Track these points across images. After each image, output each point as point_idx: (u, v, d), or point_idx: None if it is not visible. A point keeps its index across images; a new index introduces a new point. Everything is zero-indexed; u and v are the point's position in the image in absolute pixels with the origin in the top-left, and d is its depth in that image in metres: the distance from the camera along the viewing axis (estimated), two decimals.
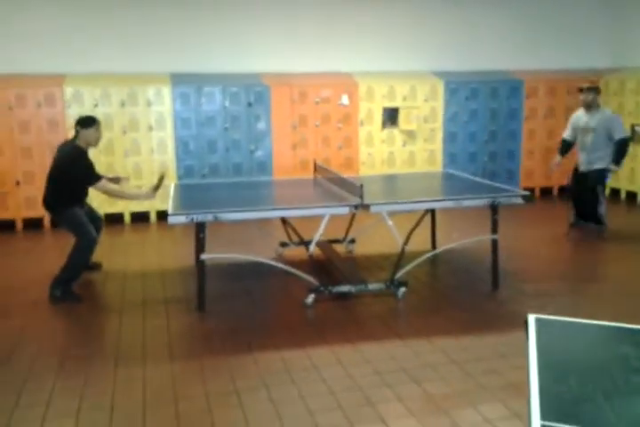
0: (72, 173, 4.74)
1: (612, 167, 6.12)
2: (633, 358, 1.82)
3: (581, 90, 6.22)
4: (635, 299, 4.65)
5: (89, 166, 4.78)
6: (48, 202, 4.90)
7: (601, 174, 6.19)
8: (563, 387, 1.61)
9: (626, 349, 1.91)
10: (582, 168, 6.31)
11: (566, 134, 6.54)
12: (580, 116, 6.34)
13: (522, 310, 4.39)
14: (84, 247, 4.80)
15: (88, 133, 4.80)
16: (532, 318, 2.10)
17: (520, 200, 4.67)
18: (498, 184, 5.29)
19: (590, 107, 6.16)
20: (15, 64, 7.33)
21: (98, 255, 5.23)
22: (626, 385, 1.64)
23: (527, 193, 4.76)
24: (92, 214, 5.20)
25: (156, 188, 4.91)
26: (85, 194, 5.03)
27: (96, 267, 5.47)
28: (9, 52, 7.36)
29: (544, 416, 1.44)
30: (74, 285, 4.81)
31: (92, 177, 4.77)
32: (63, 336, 4.11)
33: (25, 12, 7.37)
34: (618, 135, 6.02)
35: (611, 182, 8.59)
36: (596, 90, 6.19)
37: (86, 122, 4.81)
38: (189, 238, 5.91)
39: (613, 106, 8.46)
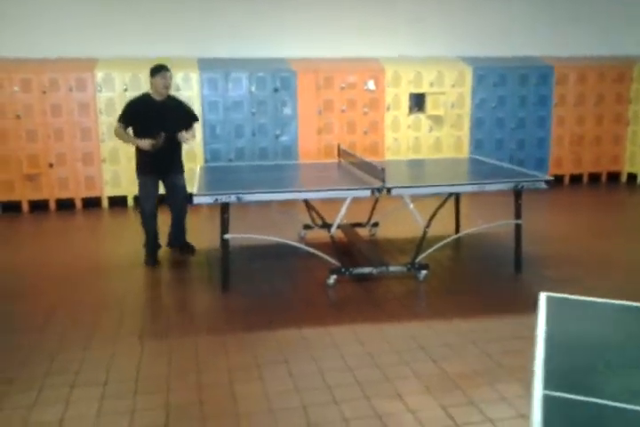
0: None
1: None
2: (636, 333, 1.83)
3: None
4: None
5: (123, 110, 5.12)
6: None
7: None
8: (568, 359, 1.64)
9: (635, 326, 1.93)
10: None
11: None
12: None
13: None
14: (141, 219, 5.25)
15: (154, 81, 5.02)
16: (543, 296, 2.13)
17: (543, 185, 4.65)
18: (521, 169, 5.27)
19: None
20: (48, 49, 7.47)
21: (125, 239, 5.35)
22: (630, 359, 1.66)
23: (550, 178, 4.73)
24: (169, 194, 5.32)
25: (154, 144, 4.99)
26: (158, 163, 5.07)
27: (188, 249, 5.51)
28: (42, 37, 7.51)
29: (547, 386, 1.47)
30: (154, 251, 5.26)
31: (118, 117, 5.13)
32: (91, 310, 4.24)
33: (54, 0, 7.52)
34: None
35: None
36: None
37: (151, 70, 5.03)
38: (216, 219, 6.01)
39: None
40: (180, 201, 5.30)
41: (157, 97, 5.08)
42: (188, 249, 5.51)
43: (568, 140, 8.54)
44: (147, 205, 5.19)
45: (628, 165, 8.77)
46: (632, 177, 8.70)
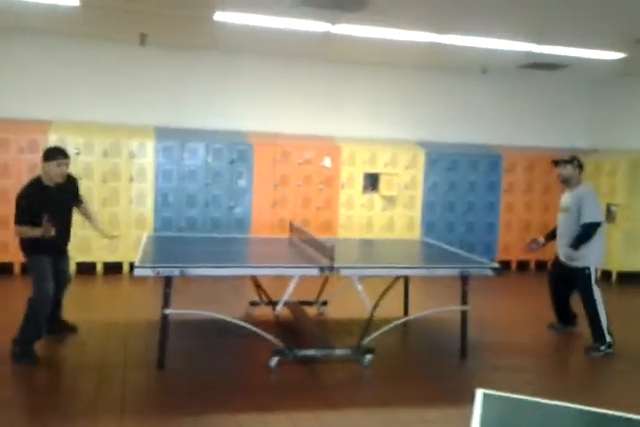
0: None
1: (568, 250, 5.08)
2: None
3: (556, 163, 5.21)
4: (595, 379, 4.59)
5: (22, 208, 4.32)
6: (19, 242, 4.53)
7: (584, 276, 5.04)
8: None
9: None
10: (561, 257, 5.27)
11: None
12: (565, 194, 5.35)
13: (488, 384, 4.30)
14: (37, 303, 4.39)
15: (48, 167, 4.36)
16: (479, 393, 2.07)
17: (490, 272, 4.67)
18: (470, 255, 5.31)
19: (568, 183, 5.20)
20: (3, 109, 7.40)
21: (66, 309, 5.08)
22: None
23: (496, 266, 4.76)
24: (59, 271, 4.71)
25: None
26: (54, 243, 4.47)
27: (70, 328, 5.01)
28: None
29: None
30: (35, 344, 4.40)
31: (16, 217, 4.31)
32: (10, 389, 3.93)
33: (16, 60, 7.52)
34: (584, 219, 5.00)
35: None
36: (573, 162, 5.15)
37: (47, 155, 4.39)
38: (160, 292, 5.79)
39: None
40: (67, 278, 4.87)
41: (50, 183, 4.44)
42: (71, 328, 4.97)
43: (516, 227, 8.75)
44: (49, 286, 4.43)
45: None
46: None
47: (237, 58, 8.12)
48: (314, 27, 6.46)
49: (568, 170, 5.17)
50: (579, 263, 5.09)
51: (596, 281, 5.07)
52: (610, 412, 2.15)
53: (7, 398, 3.75)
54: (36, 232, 4.28)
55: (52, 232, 4.25)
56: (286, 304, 5.33)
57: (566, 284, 5.37)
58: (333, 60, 8.36)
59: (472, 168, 8.56)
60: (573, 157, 5.24)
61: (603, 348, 5.01)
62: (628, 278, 8.21)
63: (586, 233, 4.99)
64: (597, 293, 5.05)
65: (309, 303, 5.89)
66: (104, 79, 7.80)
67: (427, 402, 3.97)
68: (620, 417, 2.10)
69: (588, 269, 5.06)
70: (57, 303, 4.83)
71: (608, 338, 5.02)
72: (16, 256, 6.44)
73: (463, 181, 8.53)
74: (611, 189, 8.33)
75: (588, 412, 2.17)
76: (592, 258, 5.08)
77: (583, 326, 5.31)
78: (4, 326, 4.67)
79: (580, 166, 5.19)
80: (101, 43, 7.66)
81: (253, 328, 4.57)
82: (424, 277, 6.18)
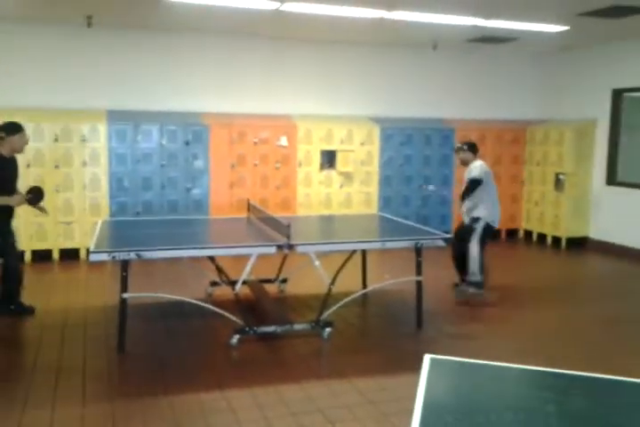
0: None
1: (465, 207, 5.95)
2: (509, 396, 1.90)
3: (456, 150, 6.17)
4: (549, 341, 4.80)
5: None
6: None
7: (471, 227, 5.84)
8: (440, 424, 1.67)
9: (507, 387, 2.00)
10: (463, 218, 6.13)
11: None
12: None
13: (442, 352, 4.47)
14: (13, 270, 4.96)
15: (13, 140, 4.81)
16: (427, 358, 2.17)
17: (442, 243, 4.82)
18: (424, 227, 5.44)
19: (464, 163, 6.09)
20: None
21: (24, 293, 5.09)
22: (498, 421, 1.71)
23: (447, 236, 4.92)
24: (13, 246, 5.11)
25: (32, 200, 4.93)
26: (11, 215, 4.99)
27: (29, 311, 5.19)
28: None
29: None
30: None
31: None
32: None
33: None
34: (469, 176, 5.92)
35: (537, 227, 8.99)
36: (462, 148, 6.03)
37: (11, 128, 4.81)
38: (118, 276, 5.80)
39: (538, 155, 8.94)
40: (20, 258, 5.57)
41: (8, 155, 4.89)
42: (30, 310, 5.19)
43: None
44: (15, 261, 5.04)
45: (524, 222, 9.27)
46: (528, 234, 9.19)
47: (187, 38, 8.00)
48: (264, 5, 6.41)
49: (460, 154, 6.11)
50: (473, 214, 5.86)
51: (480, 237, 5.75)
52: (553, 370, 2.27)
53: None
54: (10, 201, 4.79)
55: (23, 203, 4.87)
56: (246, 283, 5.42)
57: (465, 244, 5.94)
58: (285, 38, 8.31)
59: (426, 142, 8.68)
60: (465, 143, 6.15)
61: (472, 289, 5.76)
62: (575, 244, 8.53)
63: (470, 187, 5.90)
64: (475, 247, 5.74)
65: (270, 281, 5.97)
66: (51, 63, 7.60)
67: (384, 371, 4.11)
68: (565, 375, 2.20)
69: (478, 220, 5.80)
70: (19, 280, 5.12)
71: (479, 278, 5.77)
72: None
73: (418, 155, 8.65)
74: (558, 158, 8.58)
75: (531, 371, 2.29)
76: (484, 211, 5.83)
77: (529, 292, 5.53)
78: None
79: (471, 149, 6.03)
80: (47, 26, 7.45)
81: (213, 308, 4.64)
82: (381, 250, 6.32)
